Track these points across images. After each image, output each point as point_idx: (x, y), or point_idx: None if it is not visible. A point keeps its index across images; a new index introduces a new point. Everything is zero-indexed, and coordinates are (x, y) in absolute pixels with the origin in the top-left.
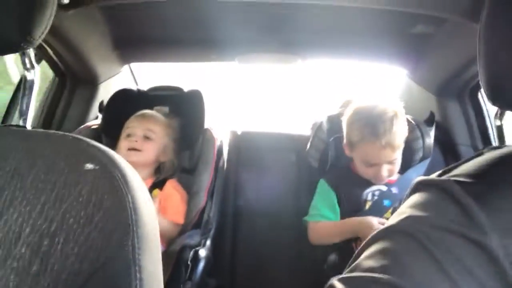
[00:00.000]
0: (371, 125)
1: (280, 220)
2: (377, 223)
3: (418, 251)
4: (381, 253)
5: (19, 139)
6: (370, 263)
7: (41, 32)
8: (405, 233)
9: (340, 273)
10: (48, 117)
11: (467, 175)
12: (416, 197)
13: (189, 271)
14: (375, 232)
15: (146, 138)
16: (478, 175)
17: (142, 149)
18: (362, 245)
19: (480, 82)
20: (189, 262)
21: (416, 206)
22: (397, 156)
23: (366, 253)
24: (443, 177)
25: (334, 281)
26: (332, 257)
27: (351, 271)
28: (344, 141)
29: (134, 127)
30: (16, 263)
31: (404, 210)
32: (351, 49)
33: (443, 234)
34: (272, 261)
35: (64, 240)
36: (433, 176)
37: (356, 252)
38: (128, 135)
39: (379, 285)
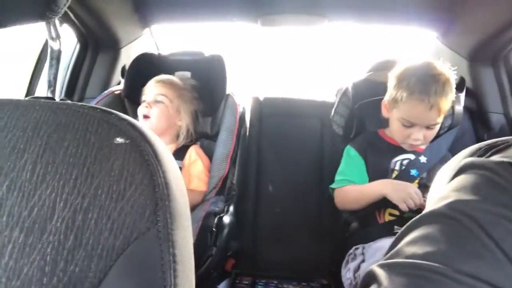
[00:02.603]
0: (424, 82)
1: (302, 187)
2: (414, 192)
3: (468, 237)
4: (425, 239)
5: (48, 112)
6: (413, 249)
7: (66, 0)
8: (451, 217)
9: (361, 240)
10: (71, 83)
11: None
12: (462, 180)
13: (214, 237)
14: (417, 216)
15: (157, 102)
16: None
17: (151, 114)
18: (402, 230)
19: None
20: (213, 229)
21: (463, 189)
22: (439, 122)
23: (408, 238)
24: (495, 158)
25: (374, 267)
26: (354, 224)
27: (392, 257)
28: (386, 98)
29: (146, 93)
30: (52, 237)
31: (449, 194)
32: (378, 10)
33: (495, 219)
34: (293, 227)
35: (97, 215)
36: (479, 157)
37: (395, 237)
38: (143, 101)
39: (423, 271)
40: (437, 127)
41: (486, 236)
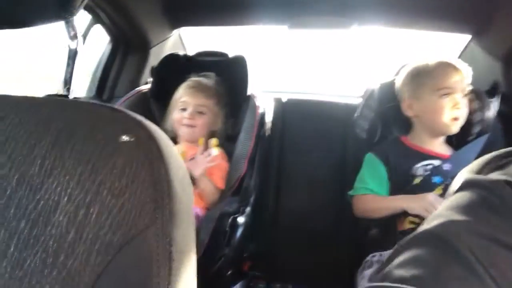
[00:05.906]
0: (446, 61)
1: (323, 191)
2: (434, 199)
3: (456, 261)
4: (414, 261)
5: (59, 109)
6: (401, 272)
7: (80, 1)
8: (441, 239)
9: (379, 248)
10: (101, 82)
11: None
12: (459, 197)
13: (227, 238)
14: (410, 235)
15: (199, 113)
16: None
17: (196, 124)
18: (394, 249)
19: None
20: (227, 229)
21: (456, 208)
22: (467, 90)
23: (398, 260)
24: (493, 175)
25: None
26: (373, 232)
27: (382, 279)
28: (406, 95)
29: (187, 102)
30: (54, 230)
31: (443, 213)
32: (409, 15)
33: (485, 242)
34: (312, 232)
35: (98, 211)
36: (480, 174)
37: (388, 256)
38: (182, 109)
39: None
40: (465, 102)
41: (476, 260)
